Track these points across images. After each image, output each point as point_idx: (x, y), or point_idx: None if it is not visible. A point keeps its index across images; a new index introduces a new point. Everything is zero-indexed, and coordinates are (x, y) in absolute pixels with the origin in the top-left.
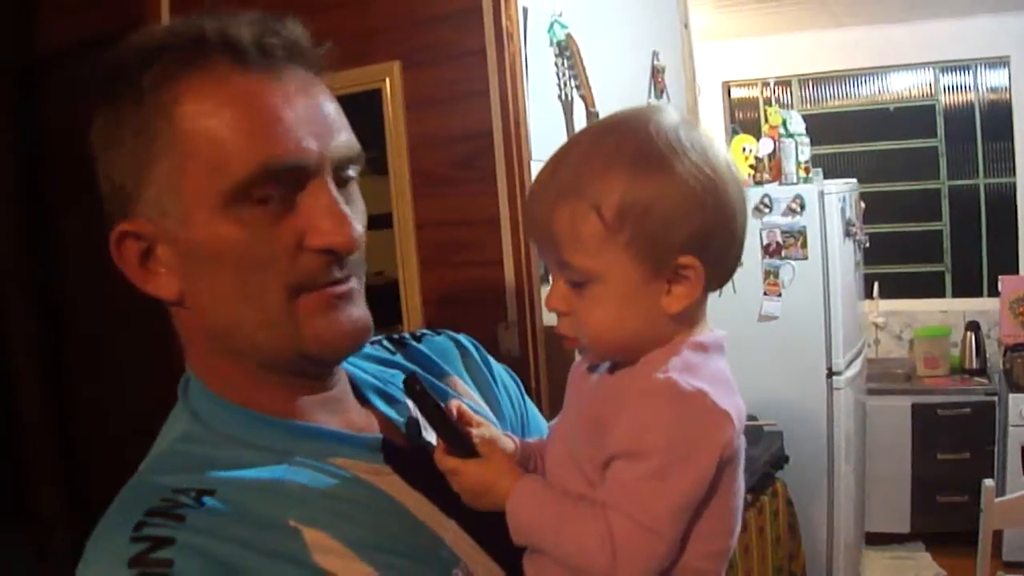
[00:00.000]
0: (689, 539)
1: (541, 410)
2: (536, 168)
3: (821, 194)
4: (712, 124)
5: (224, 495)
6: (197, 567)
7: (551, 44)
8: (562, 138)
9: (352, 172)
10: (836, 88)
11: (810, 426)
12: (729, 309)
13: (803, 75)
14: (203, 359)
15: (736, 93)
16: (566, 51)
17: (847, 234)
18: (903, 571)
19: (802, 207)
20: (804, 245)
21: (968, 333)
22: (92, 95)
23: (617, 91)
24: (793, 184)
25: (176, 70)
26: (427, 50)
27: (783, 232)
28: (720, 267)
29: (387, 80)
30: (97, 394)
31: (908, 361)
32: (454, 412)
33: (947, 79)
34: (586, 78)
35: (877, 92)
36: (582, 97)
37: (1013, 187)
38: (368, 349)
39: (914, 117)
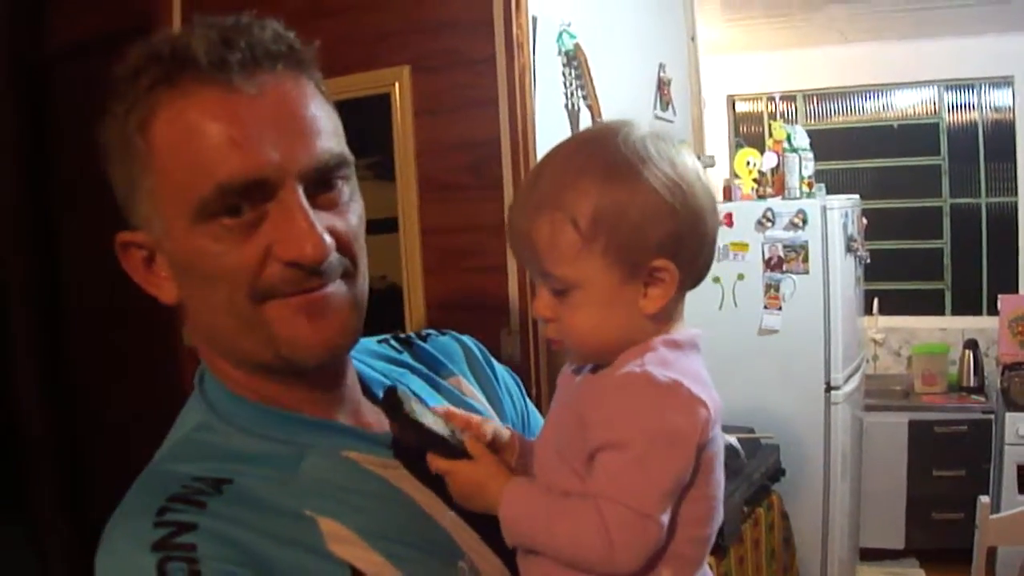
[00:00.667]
0: (672, 524)
1: (542, 415)
2: None
3: (824, 209)
4: (716, 137)
5: (241, 484)
6: (220, 552)
7: (559, 53)
8: None
9: (340, 176)
10: (841, 104)
11: (807, 440)
12: (729, 322)
13: (808, 90)
14: (208, 357)
15: (740, 107)
16: (574, 61)
17: (849, 249)
18: None
19: (804, 221)
20: (806, 259)
21: (966, 351)
22: (97, 105)
23: (623, 102)
24: (796, 198)
25: (150, 88)
26: (437, 56)
27: (785, 246)
28: (693, 267)
29: (396, 84)
30: (96, 394)
31: (906, 378)
32: (442, 417)
33: (951, 98)
34: (593, 88)
35: (881, 109)
36: (588, 107)
37: (1015, 206)
38: (376, 347)
39: (918, 135)
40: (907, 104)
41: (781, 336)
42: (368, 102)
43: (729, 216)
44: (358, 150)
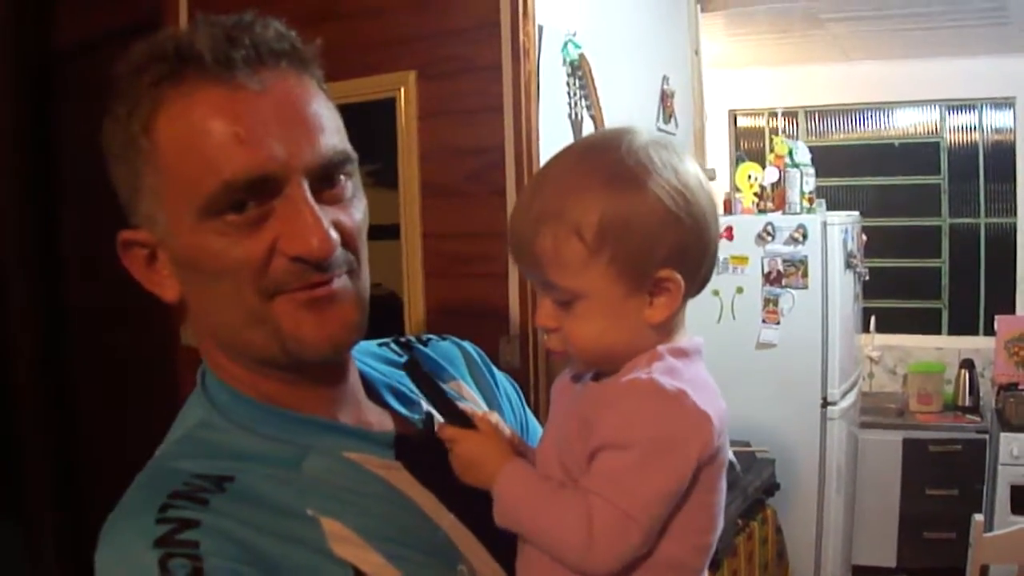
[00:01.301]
0: (675, 532)
1: (540, 423)
2: None
3: (824, 225)
4: (717, 151)
5: (243, 482)
6: (223, 549)
7: (564, 63)
8: None
9: (344, 172)
10: (842, 121)
11: (803, 455)
12: (728, 335)
13: (810, 107)
14: (212, 355)
15: (742, 122)
16: (578, 70)
17: (848, 266)
18: None
19: (804, 236)
20: (805, 274)
21: (962, 371)
22: (101, 103)
23: (626, 113)
24: (796, 213)
25: (153, 85)
26: (443, 62)
27: (784, 260)
28: (697, 276)
29: (402, 89)
30: (93, 394)
31: (901, 396)
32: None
33: (952, 118)
34: (597, 98)
35: (883, 127)
36: (592, 117)
37: (1013, 227)
38: (377, 351)
39: (918, 154)
40: (908, 123)
41: (779, 350)
42: (374, 106)
43: (729, 229)
44: (361, 155)
